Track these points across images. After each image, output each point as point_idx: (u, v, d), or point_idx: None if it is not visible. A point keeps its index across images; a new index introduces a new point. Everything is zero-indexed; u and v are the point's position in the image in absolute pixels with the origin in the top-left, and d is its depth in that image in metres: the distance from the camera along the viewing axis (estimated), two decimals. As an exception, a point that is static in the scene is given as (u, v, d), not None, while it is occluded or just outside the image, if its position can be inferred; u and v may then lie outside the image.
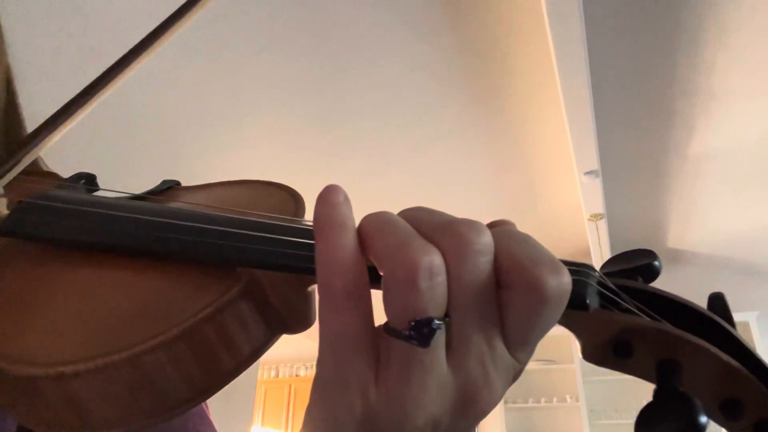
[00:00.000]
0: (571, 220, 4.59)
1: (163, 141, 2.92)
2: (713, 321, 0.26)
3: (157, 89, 2.56)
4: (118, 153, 2.87)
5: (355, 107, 2.95)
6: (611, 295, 0.26)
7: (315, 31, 2.42)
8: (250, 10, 2.26)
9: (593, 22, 2.36)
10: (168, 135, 2.89)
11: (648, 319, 0.26)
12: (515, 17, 2.48)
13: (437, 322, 0.21)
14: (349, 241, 0.22)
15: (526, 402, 5.26)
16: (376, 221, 0.24)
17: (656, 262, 0.28)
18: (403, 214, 0.25)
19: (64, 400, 0.23)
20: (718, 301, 0.26)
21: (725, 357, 0.24)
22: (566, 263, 0.25)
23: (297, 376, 6.42)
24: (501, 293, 0.23)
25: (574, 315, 0.25)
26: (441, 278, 0.21)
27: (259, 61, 2.53)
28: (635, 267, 0.28)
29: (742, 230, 4.40)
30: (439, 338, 0.22)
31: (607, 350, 0.26)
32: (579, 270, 0.26)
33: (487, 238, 0.22)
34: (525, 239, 0.23)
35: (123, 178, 2.87)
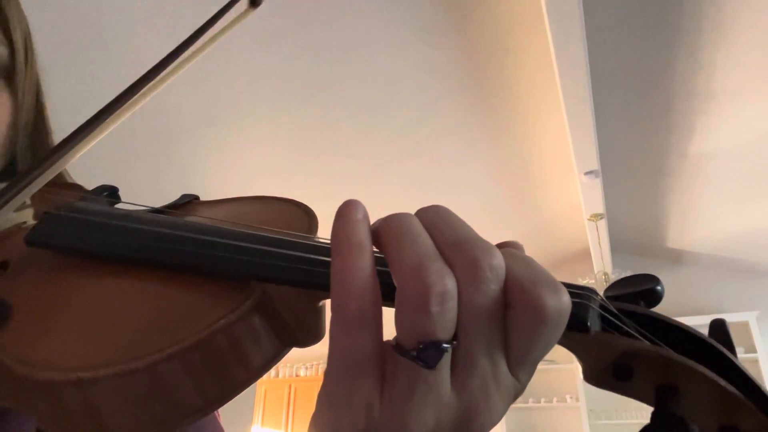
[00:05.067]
0: (571, 220, 4.59)
1: (161, 141, 2.92)
2: (713, 347, 0.26)
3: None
4: (116, 153, 2.87)
5: (356, 107, 2.95)
6: (613, 319, 0.27)
7: (316, 31, 2.42)
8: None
9: (593, 22, 2.36)
10: (167, 134, 2.89)
11: (648, 343, 0.26)
12: (515, 18, 2.48)
13: (445, 345, 0.21)
14: (366, 262, 0.23)
15: (526, 402, 5.27)
16: (396, 229, 0.24)
17: (659, 287, 0.28)
18: (423, 216, 0.25)
19: (82, 405, 0.24)
20: (719, 327, 0.27)
21: (723, 383, 0.24)
22: (569, 286, 0.25)
23: (297, 376, 6.42)
24: (504, 313, 0.23)
25: (576, 337, 0.26)
26: (452, 303, 0.21)
27: (259, 61, 2.53)
28: (638, 291, 0.29)
29: (742, 230, 4.41)
30: (445, 360, 0.22)
31: (608, 373, 0.27)
32: (581, 293, 0.26)
33: (500, 264, 0.22)
34: (527, 261, 0.24)
35: (121, 177, 2.86)
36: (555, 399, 5.17)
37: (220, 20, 0.43)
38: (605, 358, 0.26)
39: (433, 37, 2.53)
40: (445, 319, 0.21)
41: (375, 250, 0.24)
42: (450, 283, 0.21)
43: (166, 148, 2.99)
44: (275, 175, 3.41)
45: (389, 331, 0.23)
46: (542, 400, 5.23)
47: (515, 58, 2.74)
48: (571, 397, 5.11)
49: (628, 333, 0.26)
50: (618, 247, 4.88)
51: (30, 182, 0.32)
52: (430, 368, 0.21)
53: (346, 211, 0.23)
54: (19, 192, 0.32)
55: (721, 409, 0.25)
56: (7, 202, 0.31)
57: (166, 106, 2.69)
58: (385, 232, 0.24)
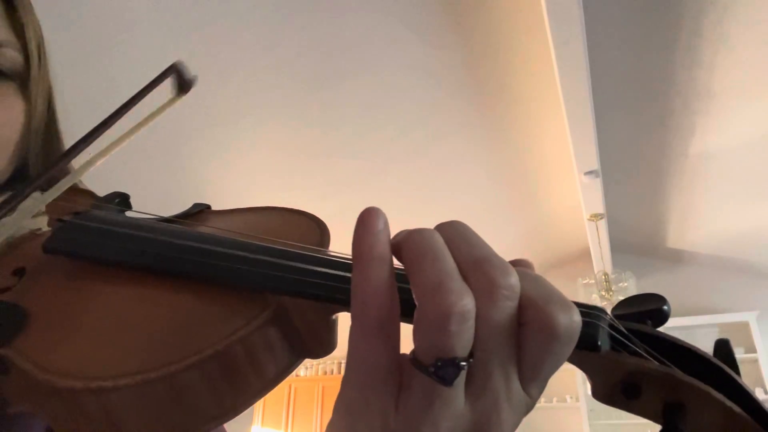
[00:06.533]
0: (571, 220, 4.59)
1: (162, 142, 2.91)
2: (718, 367, 0.27)
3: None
4: (115, 154, 2.87)
5: (355, 108, 2.96)
6: (622, 339, 0.27)
7: (315, 32, 2.42)
8: (250, 11, 2.26)
9: (593, 22, 2.36)
10: (167, 136, 2.89)
11: (656, 363, 0.26)
12: (516, 18, 2.48)
13: (462, 363, 0.22)
14: (386, 273, 0.23)
15: (526, 401, 5.27)
16: (418, 245, 0.24)
17: (665, 307, 0.29)
18: (443, 232, 0.25)
19: (101, 413, 0.24)
20: (723, 347, 0.27)
21: (728, 402, 0.25)
22: (579, 305, 0.25)
23: (297, 376, 6.42)
24: (518, 329, 0.24)
25: (586, 356, 0.26)
26: (471, 323, 0.22)
27: (259, 62, 2.53)
28: (645, 311, 0.30)
29: (742, 230, 4.41)
30: (461, 377, 0.23)
31: (617, 391, 0.27)
32: (591, 313, 0.27)
33: (515, 282, 0.23)
34: (539, 280, 0.24)
35: (120, 178, 2.86)
36: (555, 399, 5.19)
37: (145, 102, 0.42)
38: (614, 376, 0.27)
39: (433, 37, 2.53)
40: (463, 338, 0.22)
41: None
42: (469, 303, 0.22)
43: (166, 150, 2.99)
44: (276, 176, 3.41)
45: (407, 345, 0.23)
46: (542, 400, 5.23)
47: (515, 58, 2.74)
48: (571, 397, 5.12)
49: (637, 352, 0.27)
50: (618, 247, 4.89)
51: (42, 187, 0.32)
52: (447, 385, 0.22)
53: (369, 221, 0.24)
54: (26, 197, 0.32)
55: (726, 427, 0.25)
56: (16, 206, 0.31)
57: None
58: (407, 248, 0.24)
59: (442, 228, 0.26)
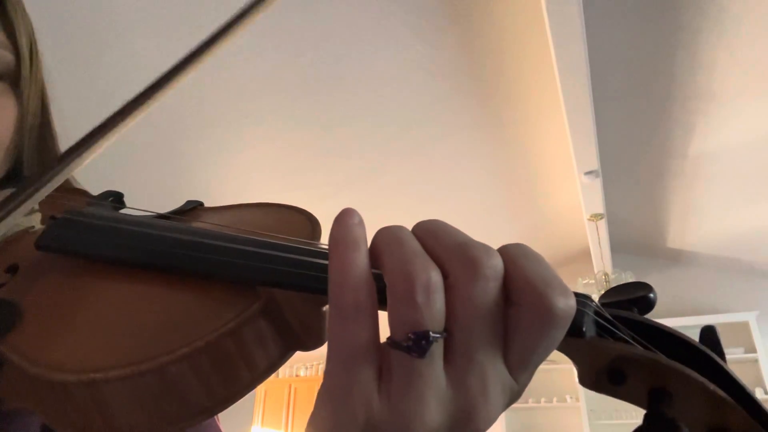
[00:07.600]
0: (571, 220, 4.59)
1: (161, 142, 2.92)
2: (703, 353, 0.27)
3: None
4: (114, 153, 2.87)
5: (355, 107, 2.96)
6: (607, 325, 0.27)
7: (315, 32, 2.42)
8: (250, 12, 2.26)
9: (593, 22, 2.36)
10: (166, 135, 2.89)
11: (641, 348, 0.27)
12: (516, 18, 2.48)
13: (434, 335, 0.22)
14: (360, 258, 0.24)
15: (526, 402, 5.27)
16: (387, 236, 0.25)
17: (651, 295, 0.29)
18: (419, 228, 0.26)
19: (93, 405, 0.25)
20: (709, 334, 0.27)
21: (712, 387, 0.25)
22: None
23: (297, 376, 6.43)
24: (509, 310, 0.24)
25: (572, 342, 0.26)
26: (438, 295, 0.23)
27: (258, 61, 2.54)
28: (631, 299, 0.30)
29: (742, 230, 4.41)
30: (436, 350, 0.23)
31: (602, 376, 0.28)
32: (576, 300, 0.26)
33: (497, 263, 0.24)
34: (538, 260, 0.25)
35: (119, 177, 2.87)
36: (555, 399, 5.18)
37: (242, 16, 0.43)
38: (600, 362, 0.27)
39: (433, 36, 2.54)
40: (432, 309, 0.22)
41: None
42: (434, 276, 0.23)
43: (165, 149, 3.00)
44: (274, 176, 3.41)
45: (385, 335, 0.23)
46: (542, 400, 5.23)
47: (515, 58, 2.74)
48: (571, 397, 5.11)
49: (622, 338, 0.27)
50: (618, 247, 4.89)
51: (38, 189, 0.33)
52: (421, 357, 0.22)
53: (343, 217, 0.25)
54: (27, 198, 0.32)
55: (711, 411, 0.26)
56: (16, 207, 0.32)
57: (166, 107, 2.69)
58: (377, 241, 0.25)
59: (420, 224, 0.27)
